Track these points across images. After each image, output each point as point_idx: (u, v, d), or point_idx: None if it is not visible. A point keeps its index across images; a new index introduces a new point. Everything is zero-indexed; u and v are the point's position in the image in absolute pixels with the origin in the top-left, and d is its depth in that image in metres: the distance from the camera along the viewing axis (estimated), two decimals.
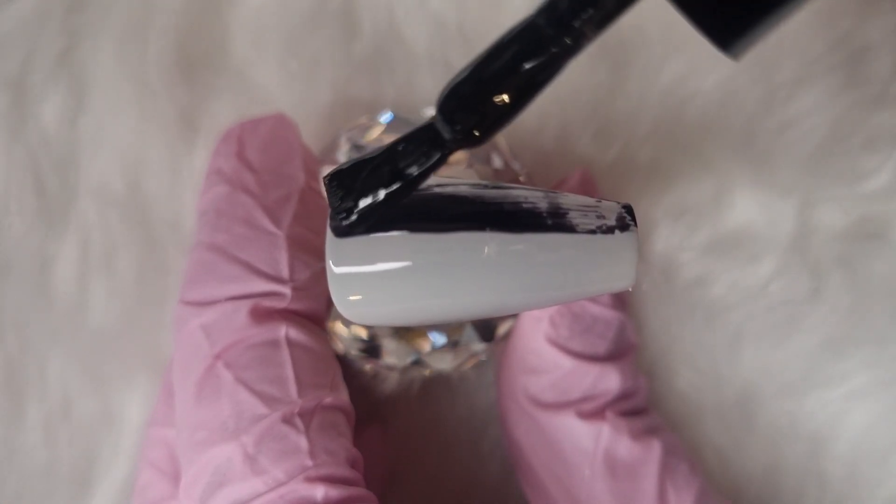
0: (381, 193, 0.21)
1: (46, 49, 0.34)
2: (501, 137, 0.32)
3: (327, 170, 0.31)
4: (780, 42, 0.36)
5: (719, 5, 0.19)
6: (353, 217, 0.22)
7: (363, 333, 0.30)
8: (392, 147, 0.21)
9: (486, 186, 0.23)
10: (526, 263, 0.22)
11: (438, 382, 0.36)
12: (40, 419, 0.34)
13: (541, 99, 0.35)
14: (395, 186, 0.21)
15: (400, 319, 0.23)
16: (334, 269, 0.22)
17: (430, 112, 0.31)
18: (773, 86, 0.36)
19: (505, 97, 0.20)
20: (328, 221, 0.23)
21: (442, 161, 0.21)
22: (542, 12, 0.20)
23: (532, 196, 0.22)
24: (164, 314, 0.35)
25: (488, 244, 0.22)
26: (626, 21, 0.35)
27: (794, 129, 0.36)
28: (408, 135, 0.21)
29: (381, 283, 0.22)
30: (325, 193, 0.22)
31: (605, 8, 0.19)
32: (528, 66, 0.20)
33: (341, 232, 0.22)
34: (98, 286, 0.35)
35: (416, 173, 0.21)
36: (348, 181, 0.22)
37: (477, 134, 0.20)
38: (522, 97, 0.20)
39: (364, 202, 0.22)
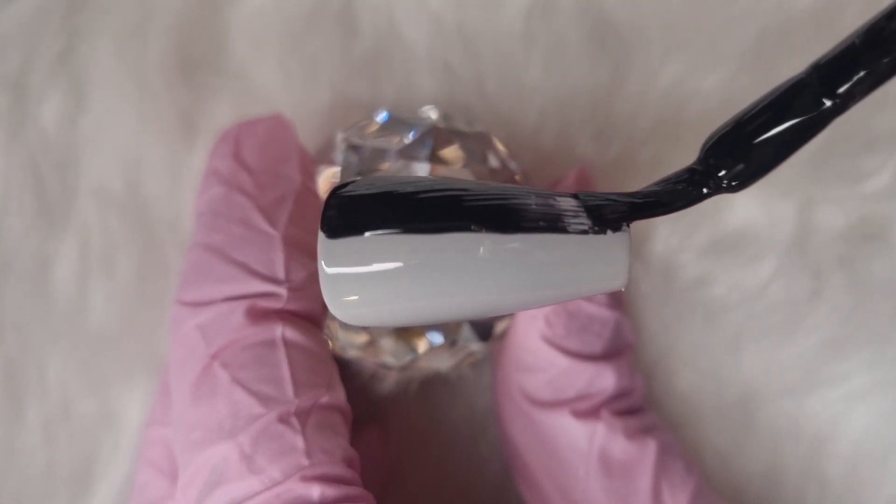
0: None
1: (46, 49, 0.34)
2: (497, 138, 0.32)
3: (324, 170, 0.31)
4: (780, 42, 0.36)
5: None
6: None
7: (360, 333, 0.30)
8: (656, 189, 0.22)
9: (479, 186, 0.23)
10: (520, 264, 0.22)
11: (437, 383, 0.36)
12: (40, 420, 0.34)
13: (540, 99, 0.35)
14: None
15: (393, 320, 0.23)
16: (326, 269, 0.22)
17: (428, 111, 0.31)
18: (773, 85, 0.35)
19: (770, 152, 0.21)
20: (320, 222, 0.23)
21: (698, 201, 0.22)
22: (814, 71, 0.20)
23: (523, 196, 0.22)
24: (164, 315, 0.35)
25: (483, 244, 0.22)
26: (626, 21, 0.35)
27: None
28: (671, 177, 0.22)
29: (374, 284, 0.22)
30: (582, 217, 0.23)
31: (878, 72, 0.20)
32: (794, 122, 0.20)
33: (334, 233, 0.22)
34: (98, 287, 0.35)
35: (675, 209, 0.22)
36: (608, 212, 0.22)
37: (735, 183, 0.21)
38: (787, 151, 0.21)
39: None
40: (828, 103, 0.20)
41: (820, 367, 0.36)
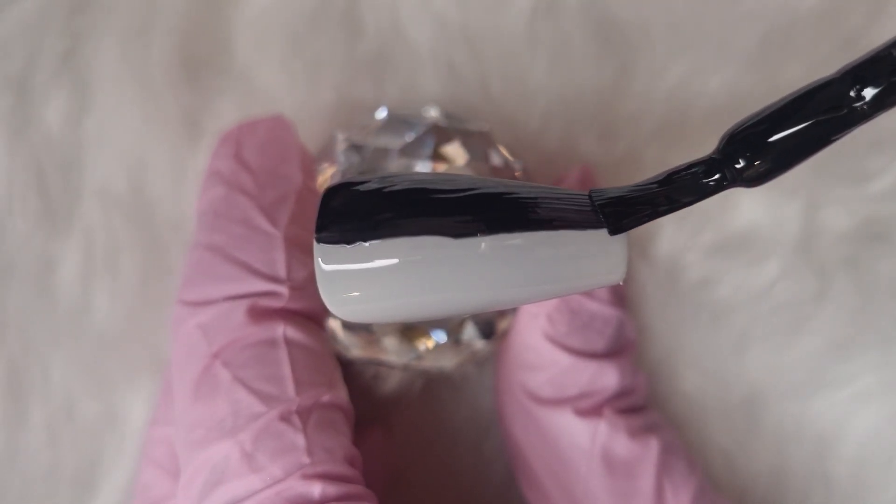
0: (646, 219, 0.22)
1: (50, 50, 0.35)
2: (502, 138, 0.32)
3: (325, 169, 0.31)
4: (785, 42, 0.36)
5: None
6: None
7: (363, 331, 0.30)
8: (668, 177, 0.22)
9: (480, 181, 0.23)
10: (519, 258, 0.22)
11: (440, 384, 0.36)
12: (43, 421, 0.34)
13: (545, 99, 0.35)
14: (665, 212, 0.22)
15: (391, 316, 0.23)
16: (323, 266, 0.22)
17: (431, 111, 0.31)
18: (778, 86, 0.35)
19: (791, 147, 0.21)
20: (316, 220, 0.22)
21: (714, 193, 0.22)
22: (846, 73, 0.20)
23: (522, 190, 0.22)
24: (168, 316, 0.34)
25: (484, 240, 0.21)
26: (631, 21, 0.35)
27: None
28: (687, 165, 0.22)
29: (372, 281, 0.22)
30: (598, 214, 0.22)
31: None
32: (818, 119, 0.20)
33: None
34: (101, 288, 0.35)
35: (689, 202, 0.22)
36: (622, 208, 0.22)
37: (752, 178, 0.21)
38: (808, 149, 0.21)
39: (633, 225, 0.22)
40: (855, 105, 0.20)
41: (825, 368, 0.35)
